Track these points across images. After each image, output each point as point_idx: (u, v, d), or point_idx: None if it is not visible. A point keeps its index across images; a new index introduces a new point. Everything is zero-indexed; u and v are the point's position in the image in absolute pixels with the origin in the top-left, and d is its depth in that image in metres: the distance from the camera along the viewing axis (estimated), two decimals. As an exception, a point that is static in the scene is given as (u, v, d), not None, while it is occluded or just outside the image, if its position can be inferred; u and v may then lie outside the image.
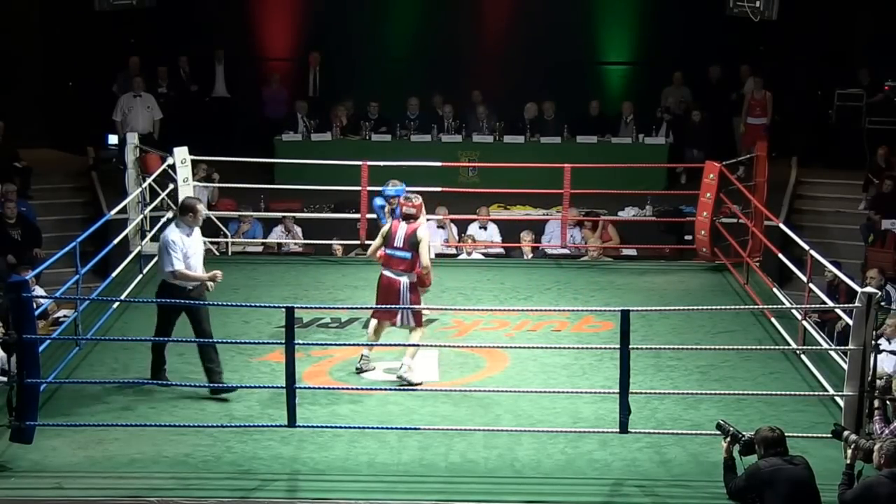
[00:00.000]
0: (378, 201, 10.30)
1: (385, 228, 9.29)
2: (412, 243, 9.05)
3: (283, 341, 7.62)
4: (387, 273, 9.12)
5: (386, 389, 8.72)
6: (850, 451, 6.58)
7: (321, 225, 13.96)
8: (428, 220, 13.74)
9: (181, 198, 12.27)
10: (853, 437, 6.68)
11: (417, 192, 13.44)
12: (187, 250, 8.73)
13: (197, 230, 8.91)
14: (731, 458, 6.72)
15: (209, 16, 17.23)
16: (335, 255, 13.22)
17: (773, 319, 10.41)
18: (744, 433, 6.71)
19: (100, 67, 16.73)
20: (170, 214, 12.41)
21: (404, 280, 9.05)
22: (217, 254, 13.47)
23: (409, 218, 9.19)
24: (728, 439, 6.74)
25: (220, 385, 8.53)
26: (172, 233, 8.71)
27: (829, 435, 7.07)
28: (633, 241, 14.41)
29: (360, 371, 9.14)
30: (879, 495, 6.30)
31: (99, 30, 16.27)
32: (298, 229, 14.16)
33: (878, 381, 7.81)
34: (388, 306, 9.02)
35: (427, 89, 16.86)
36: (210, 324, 8.70)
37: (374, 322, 9.28)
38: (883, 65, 16.67)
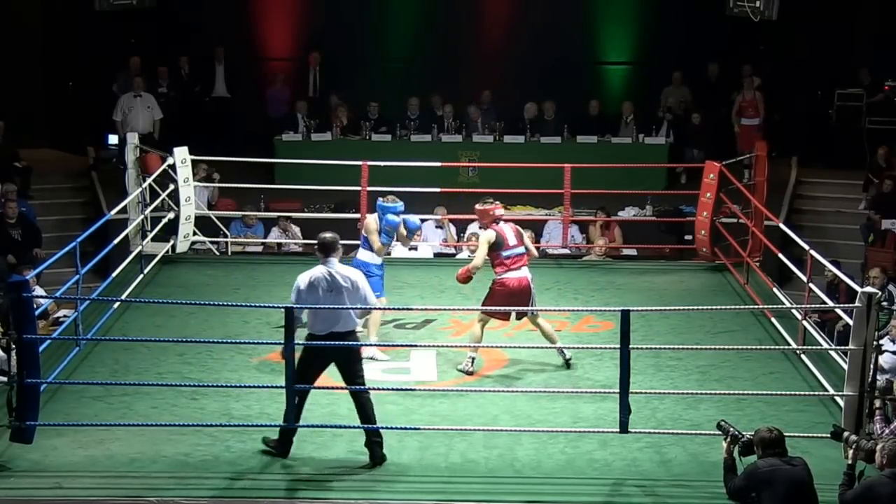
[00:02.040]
0: (394, 219, 9.64)
1: (490, 236, 9.29)
2: (521, 237, 9.43)
3: (283, 341, 7.62)
4: (514, 275, 9.27)
5: (385, 389, 8.71)
6: (850, 452, 6.58)
7: (321, 225, 13.91)
8: (427, 220, 13.83)
9: (181, 198, 12.34)
10: (854, 437, 6.68)
11: (416, 192, 13.58)
12: None
13: None
14: (731, 458, 6.72)
15: (209, 16, 17.22)
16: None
17: (773, 319, 10.41)
18: (744, 434, 6.71)
19: (100, 67, 16.74)
20: (171, 215, 12.42)
21: (529, 275, 9.33)
22: (217, 254, 13.48)
23: (499, 220, 9.46)
24: (728, 440, 6.74)
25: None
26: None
27: (829, 435, 7.08)
28: (633, 241, 14.41)
29: (469, 373, 9.26)
30: (881, 495, 6.29)
31: (99, 30, 16.28)
32: (297, 229, 14.16)
33: (878, 381, 7.81)
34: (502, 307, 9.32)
35: (427, 89, 16.87)
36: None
37: (481, 324, 9.31)
38: (883, 65, 16.66)
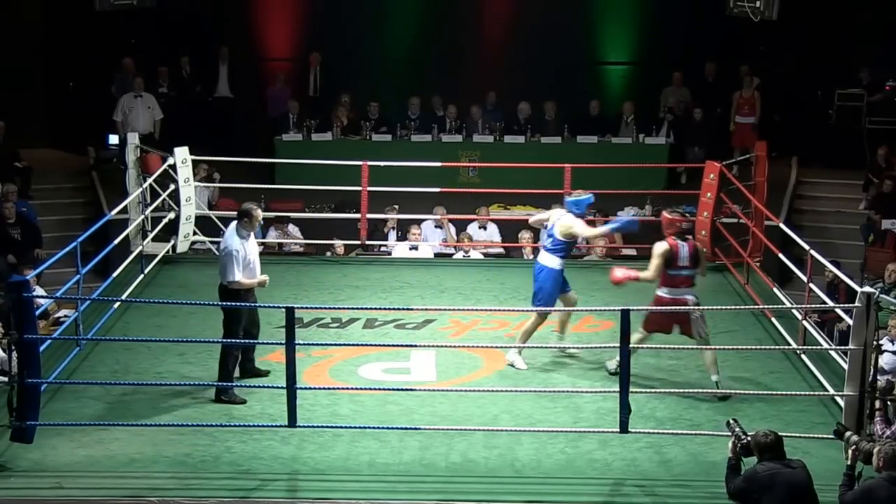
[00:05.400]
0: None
1: (663, 249, 8.89)
2: (697, 259, 8.96)
3: (284, 341, 7.64)
4: (668, 293, 8.91)
5: (386, 389, 8.73)
6: (850, 452, 6.59)
7: (321, 225, 13.97)
8: (426, 219, 13.83)
9: (182, 198, 12.36)
10: (854, 437, 6.69)
11: (416, 192, 13.55)
12: (248, 256, 8.75)
13: (252, 234, 8.90)
14: (735, 458, 6.72)
15: (209, 16, 17.22)
16: (336, 255, 13.23)
17: (773, 319, 10.41)
18: (748, 435, 6.69)
19: (100, 67, 16.73)
20: (171, 215, 12.43)
21: (692, 298, 8.89)
22: (217, 254, 13.45)
23: (685, 234, 9.05)
24: (733, 440, 6.74)
25: (226, 389, 8.56)
26: (233, 241, 8.71)
27: (830, 435, 7.08)
28: (633, 241, 14.39)
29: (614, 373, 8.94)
30: (879, 498, 6.30)
31: (99, 30, 16.28)
32: (296, 229, 14.16)
33: (878, 382, 7.81)
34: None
35: (427, 89, 16.87)
36: (251, 328, 8.84)
37: (642, 334, 8.96)
38: (883, 65, 16.66)
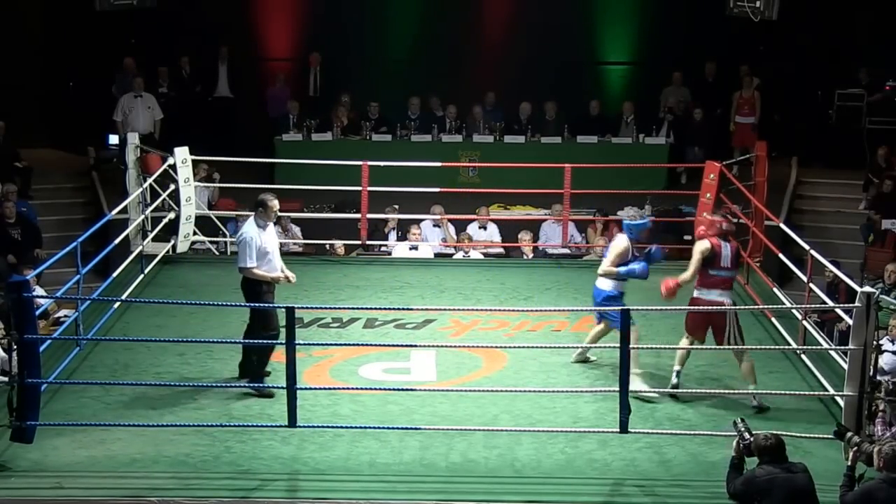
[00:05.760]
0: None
1: (704, 247, 8.72)
2: (737, 260, 8.89)
3: (284, 341, 7.64)
4: (709, 296, 8.77)
5: (386, 389, 8.73)
6: (851, 453, 6.59)
7: (321, 225, 13.97)
8: (426, 219, 13.83)
9: (182, 198, 12.36)
10: (856, 438, 6.69)
11: (416, 192, 13.54)
12: (264, 246, 8.74)
13: (272, 225, 8.93)
14: (739, 457, 6.71)
15: (209, 16, 17.22)
16: (336, 254, 13.23)
17: (773, 319, 10.41)
18: (752, 435, 6.67)
19: (100, 67, 16.74)
20: (171, 215, 12.44)
21: (728, 301, 8.81)
22: (217, 254, 13.49)
23: (727, 235, 8.90)
24: (737, 439, 6.73)
25: (254, 385, 8.63)
26: (250, 228, 8.74)
27: (830, 435, 7.08)
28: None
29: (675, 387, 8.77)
30: (878, 500, 6.31)
31: (99, 30, 16.28)
32: (297, 229, 14.16)
33: (881, 383, 7.80)
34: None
35: (427, 89, 16.87)
36: (271, 324, 8.74)
37: (689, 339, 8.91)
38: (883, 65, 16.68)
